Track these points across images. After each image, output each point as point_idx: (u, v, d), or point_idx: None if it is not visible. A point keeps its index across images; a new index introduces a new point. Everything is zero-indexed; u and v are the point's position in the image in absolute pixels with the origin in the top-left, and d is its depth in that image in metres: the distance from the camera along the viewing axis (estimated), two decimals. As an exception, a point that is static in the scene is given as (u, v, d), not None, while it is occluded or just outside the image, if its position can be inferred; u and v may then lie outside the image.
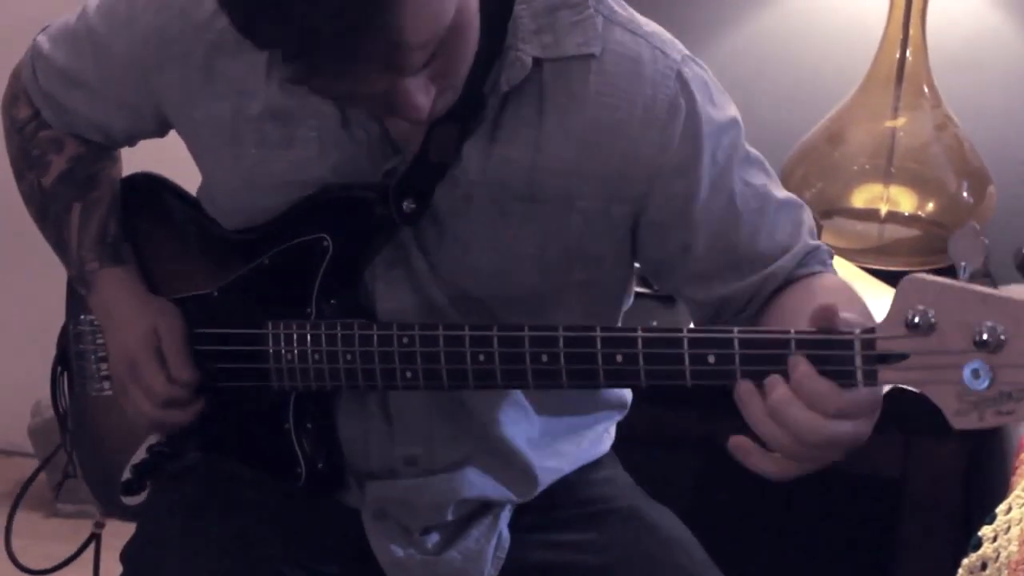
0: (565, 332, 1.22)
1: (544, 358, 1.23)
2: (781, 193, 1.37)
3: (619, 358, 1.20)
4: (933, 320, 1.06)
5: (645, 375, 1.19)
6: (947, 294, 1.05)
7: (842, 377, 1.10)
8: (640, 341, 1.19)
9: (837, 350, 1.10)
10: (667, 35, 1.35)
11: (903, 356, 1.08)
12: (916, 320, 1.06)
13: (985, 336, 1.04)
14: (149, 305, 1.46)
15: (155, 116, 1.44)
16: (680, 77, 1.31)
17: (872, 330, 1.09)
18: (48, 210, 1.51)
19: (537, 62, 1.29)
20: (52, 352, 1.62)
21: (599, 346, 1.20)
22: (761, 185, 1.35)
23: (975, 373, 1.05)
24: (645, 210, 1.33)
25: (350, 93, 1.18)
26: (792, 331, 1.12)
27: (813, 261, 1.35)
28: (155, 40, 1.37)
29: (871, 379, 1.09)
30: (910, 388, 1.09)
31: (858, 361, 1.09)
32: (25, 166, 1.53)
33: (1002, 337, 1.03)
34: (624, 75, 1.30)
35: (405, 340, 1.29)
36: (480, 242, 1.34)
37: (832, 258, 1.39)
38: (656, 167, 1.31)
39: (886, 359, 1.09)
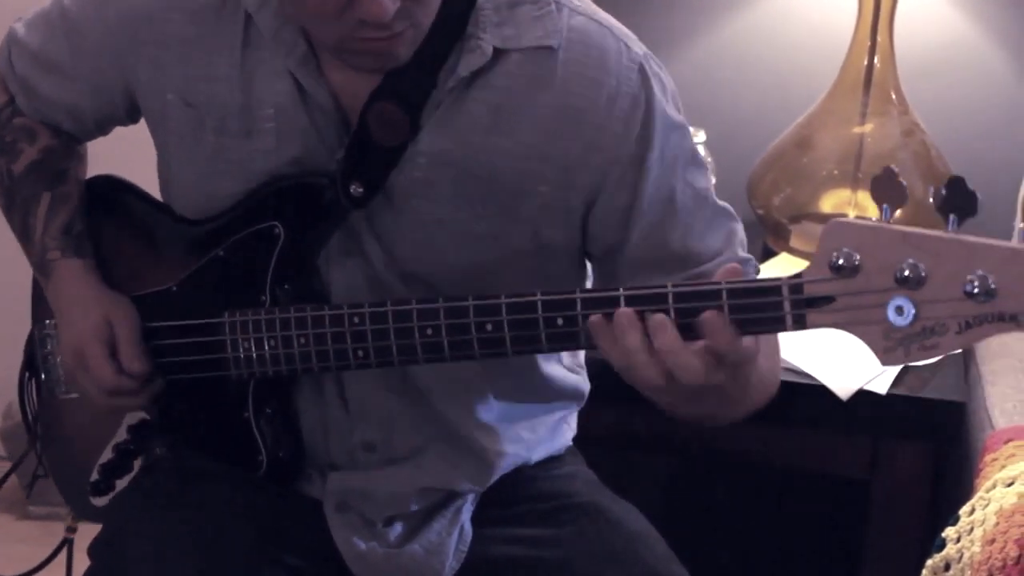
0: (507, 299, 1.24)
1: (488, 327, 1.25)
2: (718, 202, 1.40)
3: (560, 321, 1.22)
4: (857, 262, 1.08)
5: (585, 337, 1.21)
6: (869, 235, 1.08)
7: (772, 324, 1.12)
8: (579, 303, 1.21)
9: (765, 297, 1.12)
10: (627, 29, 1.38)
11: (830, 299, 1.10)
12: (840, 262, 1.08)
13: (907, 273, 1.06)
14: (103, 297, 1.47)
15: (125, 97, 1.46)
16: (643, 71, 1.35)
17: (799, 275, 1.11)
18: (15, 197, 1.53)
19: (501, 52, 1.32)
20: (22, 356, 1.62)
21: (540, 311, 1.23)
22: (703, 188, 1.38)
23: (899, 310, 1.07)
24: (596, 200, 1.36)
25: None
26: (723, 283, 1.15)
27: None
28: (129, 20, 1.40)
29: (800, 323, 1.12)
30: (839, 330, 1.11)
31: (787, 307, 1.12)
32: None
33: (923, 273, 1.06)
34: (591, 65, 1.33)
35: (356, 319, 1.31)
36: (439, 224, 1.36)
37: (758, 273, 1.43)
38: (614, 157, 1.34)
39: (814, 302, 1.11)
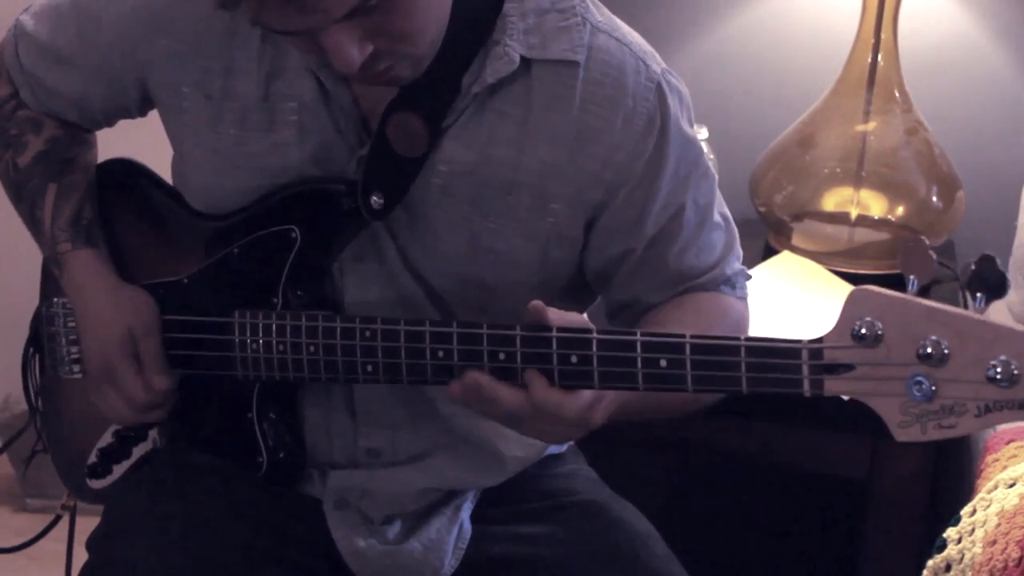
0: (522, 332, 1.23)
1: (501, 356, 1.24)
2: (720, 212, 1.41)
3: (574, 359, 1.21)
4: (880, 332, 1.07)
5: (599, 377, 1.20)
6: (894, 306, 1.07)
7: (788, 386, 1.12)
8: (595, 343, 1.20)
9: (784, 359, 1.12)
10: (648, 46, 1.37)
11: (849, 367, 1.09)
12: (863, 331, 1.07)
13: (929, 350, 1.05)
14: (123, 298, 1.45)
15: (137, 89, 1.44)
16: (659, 90, 1.34)
17: (820, 340, 1.10)
18: (23, 190, 1.51)
19: (526, 62, 1.31)
20: (19, 347, 1.62)
21: (555, 347, 1.21)
22: (708, 202, 1.39)
23: (918, 386, 1.07)
24: (600, 216, 1.35)
25: (283, 29, 1.17)
26: (742, 338, 1.14)
27: (723, 284, 1.41)
28: (146, 11, 1.38)
29: (817, 388, 1.11)
30: (855, 398, 1.11)
31: (805, 371, 1.11)
32: (1, 145, 1.53)
33: (946, 351, 1.05)
34: (609, 84, 1.32)
35: (367, 334, 1.30)
36: (452, 233, 1.35)
37: (748, 279, 1.45)
38: (626, 175, 1.33)
39: (833, 369, 1.10)
